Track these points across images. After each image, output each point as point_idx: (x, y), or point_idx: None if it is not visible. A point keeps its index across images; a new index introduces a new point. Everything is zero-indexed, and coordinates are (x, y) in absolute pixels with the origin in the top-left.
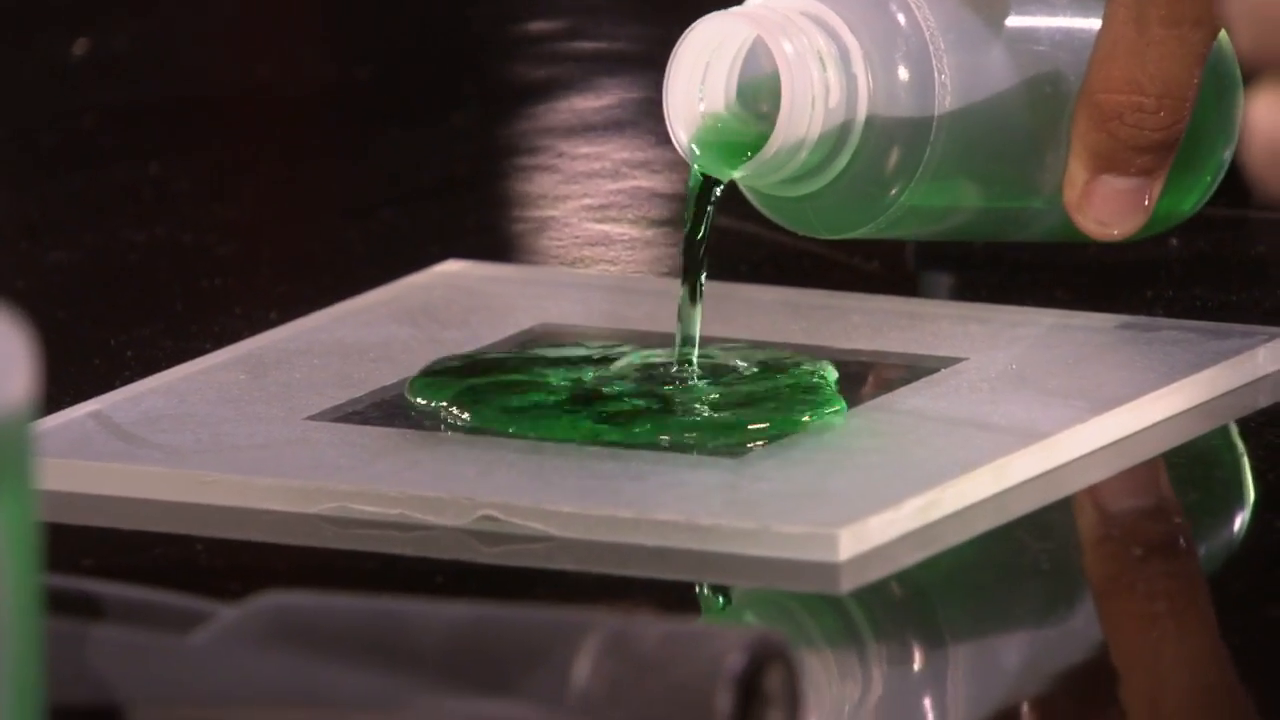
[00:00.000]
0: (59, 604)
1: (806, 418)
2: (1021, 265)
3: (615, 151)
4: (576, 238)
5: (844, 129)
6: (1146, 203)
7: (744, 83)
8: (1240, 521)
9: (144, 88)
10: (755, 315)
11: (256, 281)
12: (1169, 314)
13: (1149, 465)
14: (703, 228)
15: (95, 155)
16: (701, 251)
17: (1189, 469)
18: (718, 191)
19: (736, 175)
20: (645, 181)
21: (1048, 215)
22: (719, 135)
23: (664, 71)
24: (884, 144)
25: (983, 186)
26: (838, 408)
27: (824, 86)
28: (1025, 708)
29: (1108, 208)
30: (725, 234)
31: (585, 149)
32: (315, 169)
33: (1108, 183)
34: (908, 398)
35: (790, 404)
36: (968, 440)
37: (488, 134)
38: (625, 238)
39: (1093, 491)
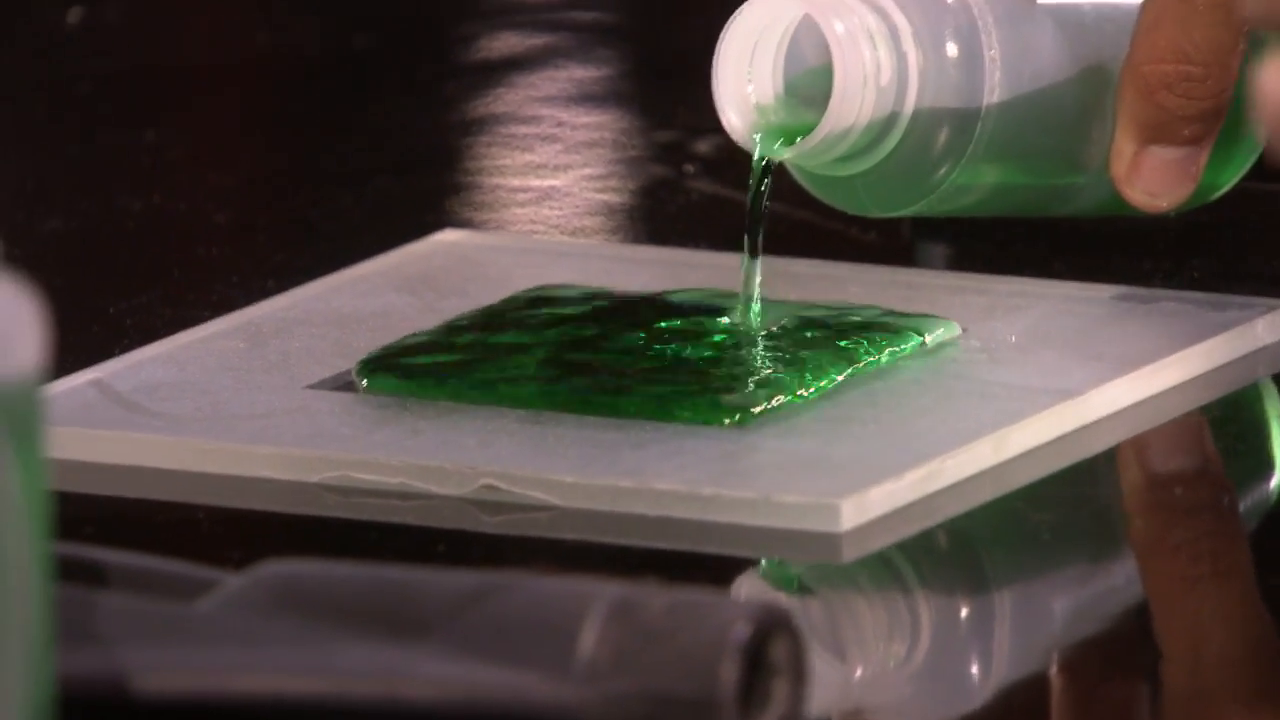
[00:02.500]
0: (65, 571)
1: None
2: (1018, 236)
3: (616, 121)
4: (577, 207)
5: (895, 108)
6: (1194, 171)
7: (793, 75)
8: (1239, 491)
9: (139, 56)
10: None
11: (254, 250)
12: (1167, 285)
13: (1149, 436)
14: (761, 206)
15: (91, 123)
16: (759, 227)
17: (1189, 439)
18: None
19: (789, 156)
20: (645, 152)
21: (1095, 189)
22: (773, 118)
23: (668, 42)
24: (934, 123)
25: (1031, 162)
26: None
27: (875, 65)
28: (1028, 677)
29: (1156, 178)
30: (725, 204)
31: (585, 119)
32: (312, 137)
33: (1155, 154)
34: (908, 368)
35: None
36: (968, 411)
37: (486, 103)
38: (625, 207)
39: (1092, 462)
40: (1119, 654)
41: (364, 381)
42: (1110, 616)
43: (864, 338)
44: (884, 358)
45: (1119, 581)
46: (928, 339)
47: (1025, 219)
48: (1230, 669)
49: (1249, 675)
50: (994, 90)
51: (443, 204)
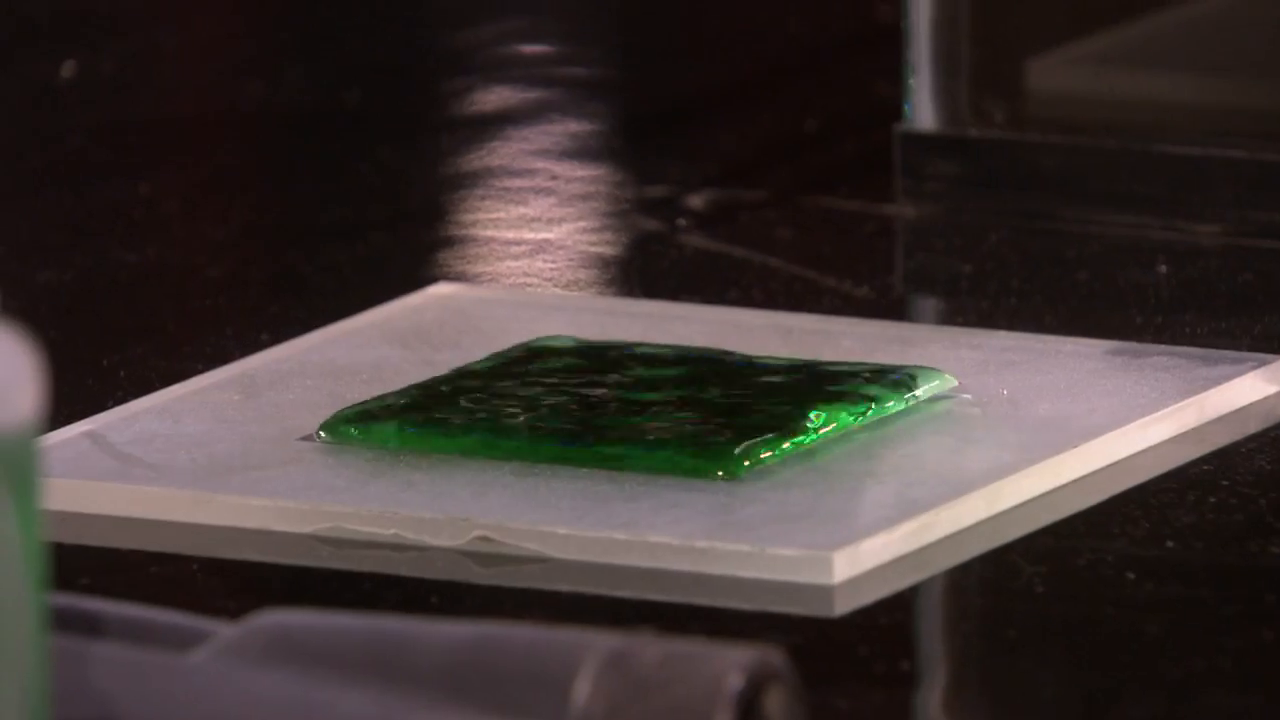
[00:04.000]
0: (60, 622)
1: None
2: (1011, 291)
3: (609, 175)
4: (571, 260)
5: None
6: None
7: None
8: (1231, 547)
9: (132, 108)
10: (747, 339)
11: (248, 302)
12: (1159, 340)
13: (1140, 490)
14: None
15: (85, 176)
16: None
17: (1180, 494)
18: None
19: None
20: (638, 206)
21: None
22: None
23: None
24: None
25: None
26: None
27: None
28: None
29: None
30: (717, 258)
31: (579, 172)
32: (306, 190)
33: None
34: (901, 421)
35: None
36: (961, 464)
37: (480, 156)
38: (619, 260)
39: (1084, 516)
40: (1112, 707)
41: (320, 433)
42: (1103, 669)
43: (860, 391)
44: (880, 411)
45: (1112, 634)
46: (921, 392)
47: (1024, 272)
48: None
49: None
50: None
51: (436, 257)
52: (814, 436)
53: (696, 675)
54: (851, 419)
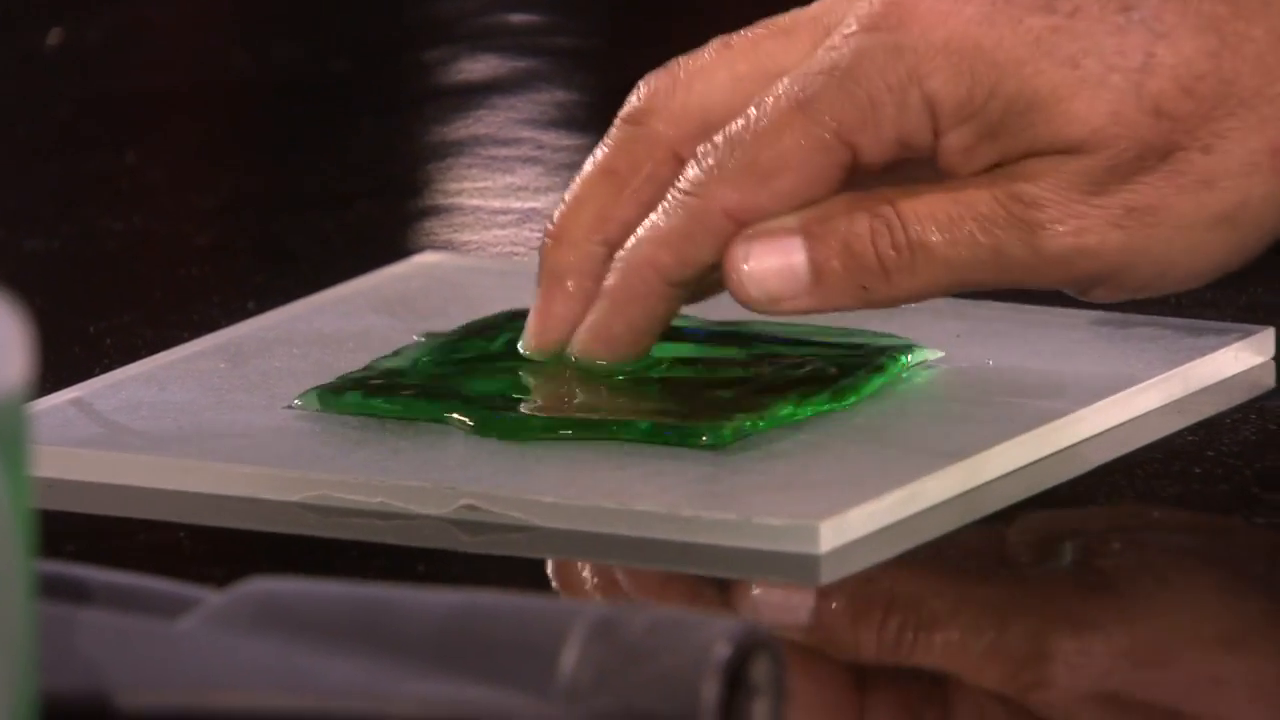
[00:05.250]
0: (46, 588)
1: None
2: None
3: (596, 144)
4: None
5: None
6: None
7: None
8: (1217, 517)
9: (119, 78)
10: (736, 310)
11: (234, 271)
12: (1144, 311)
13: (1126, 460)
14: None
15: (71, 145)
16: None
17: (1165, 464)
18: None
19: None
20: None
21: None
22: None
23: (648, 66)
24: None
25: None
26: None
27: None
28: (1006, 700)
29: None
30: None
31: (566, 141)
32: (292, 159)
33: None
34: (887, 391)
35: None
36: (947, 434)
37: (467, 125)
38: None
39: (1071, 485)
40: (1098, 675)
41: (296, 400)
42: (1089, 639)
43: (845, 362)
44: (865, 383)
45: (1098, 604)
46: (907, 362)
47: None
48: (1217, 687)
49: (1230, 693)
50: None
51: (423, 226)
52: (803, 410)
53: (684, 644)
54: (828, 406)
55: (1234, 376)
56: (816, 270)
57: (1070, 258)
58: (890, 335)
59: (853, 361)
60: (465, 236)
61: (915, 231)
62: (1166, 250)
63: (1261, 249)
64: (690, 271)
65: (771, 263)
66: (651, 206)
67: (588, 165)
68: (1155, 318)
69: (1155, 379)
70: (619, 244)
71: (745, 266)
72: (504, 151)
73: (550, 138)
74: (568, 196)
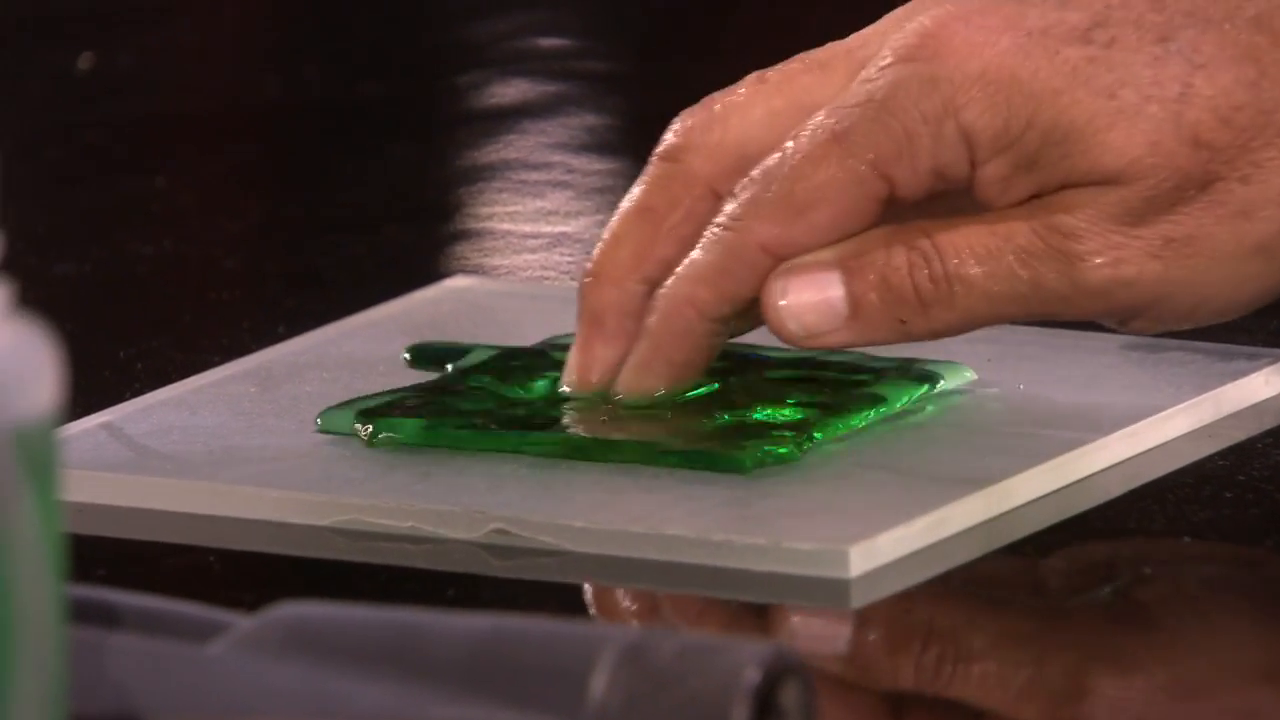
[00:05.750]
0: (77, 613)
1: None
2: None
3: (626, 168)
4: (588, 253)
5: None
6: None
7: None
8: (1248, 542)
9: (150, 102)
10: (767, 335)
11: (265, 295)
12: (1175, 335)
13: (1156, 485)
14: None
15: (102, 169)
16: None
17: (1196, 489)
18: None
19: None
20: None
21: None
22: None
23: (677, 90)
24: None
25: None
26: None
27: None
28: None
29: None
30: None
31: (596, 165)
32: (323, 184)
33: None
34: (918, 414)
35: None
36: (978, 458)
37: (497, 149)
38: None
39: (1101, 511)
40: (1134, 708)
41: (318, 421)
42: (1119, 665)
43: (877, 384)
44: (898, 404)
45: (1128, 630)
46: (940, 385)
47: None
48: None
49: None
50: None
51: (453, 250)
52: (836, 432)
53: (713, 669)
54: (860, 421)
55: (1265, 401)
56: (854, 304)
57: (1109, 289)
58: (925, 361)
59: (889, 378)
60: (496, 261)
61: (953, 265)
62: (1205, 281)
63: None
64: (730, 307)
65: (809, 297)
66: (690, 243)
67: (625, 203)
68: (1186, 342)
69: (1186, 404)
70: (658, 281)
71: (783, 301)
72: (534, 176)
73: (581, 162)
74: (606, 235)
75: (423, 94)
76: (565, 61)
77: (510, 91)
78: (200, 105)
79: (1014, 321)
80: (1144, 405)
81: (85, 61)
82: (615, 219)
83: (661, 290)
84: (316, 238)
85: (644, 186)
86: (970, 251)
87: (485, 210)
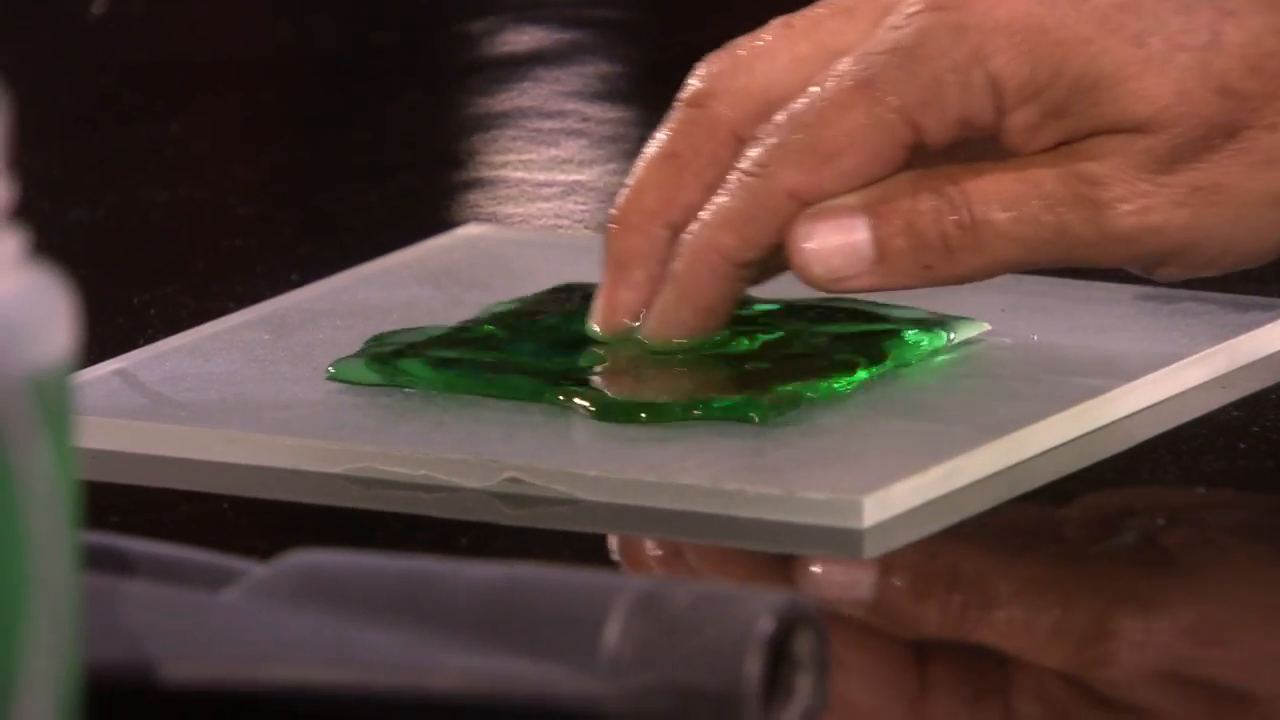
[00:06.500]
0: (90, 560)
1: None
2: None
3: (640, 116)
4: (602, 202)
5: None
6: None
7: None
8: (1262, 493)
9: (163, 48)
10: (777, 284)
11: (278, 242)
12: (1190, 285)
13: (1170, 435)
14: None
15: (115, 115)
16: None
17: (1210, 440)
18: None
19: None
20: None
21: None
22: None
23: (692, 38)
24: None
25: None
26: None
27: None
28: (1047, 675)
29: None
30: None
31: (610, 114)
32: (336, 131)
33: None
34: (932, 365)
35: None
36: (991, 409)
37: (511, 97)
38: None
39: (1115, 461)
40: (1142, 650)
41: (330, 369)
42: (1133, 614)
43: (891, 334)
44: (912, 354)
45: (1141, 580)
46: (954, 335)
47: None
48: (1257, 665)
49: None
50: None
51: (467, 198)
52: (850, 383)
53: (727, 618)
54: (875, 371)
55: (1279, 352)
56: (880, 248)
57: (1136, 236)
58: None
59: (900, 330)
60: (509, 209)
61: (980, 210)
62: (1232, 228)
63: None
64: (754, 253)
65: (835, 240)
66: (714, 189)
67: (649, 148)
68: (1200, 293)
69: (1200, 354)
70: (683, 227)
71: (809, 245)
72: (548, 124)
73: (595, 110)
74: (630, 180)
75: (436, 41)
76: (579, 9)
77: (524, 39)
78: (214, 52)
79: (1040, 268)
80: (1158, 355)
81: (98, 7)
82: (640, 164)
83: (686, 236)
84: (330, 185)
85: (669, 132)
86: (997, 198)
87: (499, 158)
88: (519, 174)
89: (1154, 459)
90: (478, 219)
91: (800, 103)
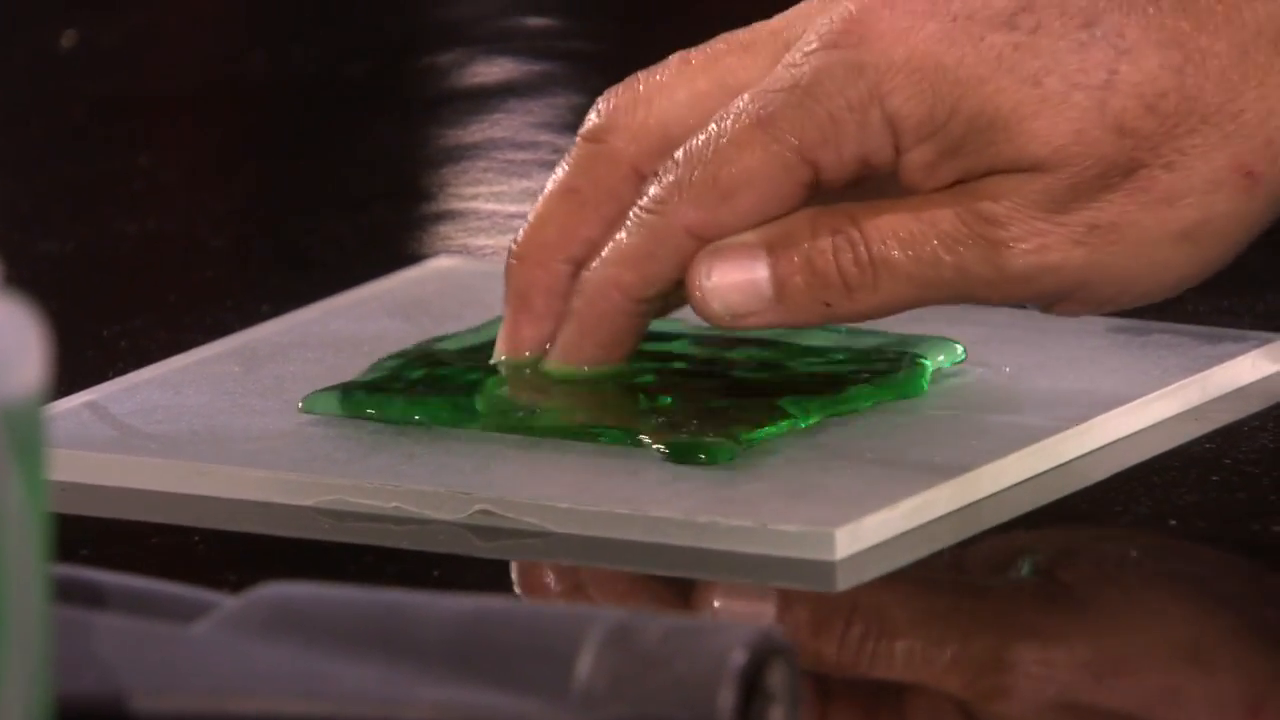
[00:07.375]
0: (61, 592)
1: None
2: None
3: None
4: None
5: None
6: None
7: None
8: (1233, 525)
9: (133, 79)
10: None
11: (249, 274)
12: (1162, 318)
13: (1143, 468)
14: None
15: (85, 147)
16: None
17: (1182, 473)
18: None
19: None
20: None
21: None
22: None
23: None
24: None
25: None
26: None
27: None
28: (1021, 709)
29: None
30: None
31: None
32: (307, 163)
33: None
34: (902, 400)
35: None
36: (964, 441)
37: (482, 128)
38: None
39: (1088, 492)
40: (1114, 683)
41: (300, 404)
42: (1104, 647)
43: (868, 369)
44: (888, 389)
45: (1114, 613)
46: (933, 363)
47: None
48: (1230, 700)
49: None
50: None
51: (438, 230)
52: (821, 416)
53: (699, 650)
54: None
55: (1251, 384)
56: (779, 286)
57: (1033, 275)
58: (915, 336)
59: (873, 363)
60: (480, 241)
61: (878, 249)
62: (1129, 266)
63: (1224, 264)
64: (654, 289)
65: (734, 278)
66: (614, 223)
67: (550, 184)
68: (1173, 325)
69: (1172, 386)
70: (584, 262)
71: (708, 282)
72: (519, 155)
73: (566, 141)
74: (530, 216)
75: (407, 73)
76: (550, 41)
77: (495, 70)
78: (184, 83)
79: (938, 305)
80: (1130, 387)
81: (68, 39)
82: (540, 200)
83: (586, 273)
84: (301, 217)
85: (568, 167)
86: (895, 236)
87: (470, 190)
88: (490, 206)
89: (1126, 491)
90: (449, 251)
91: (699, 140)
